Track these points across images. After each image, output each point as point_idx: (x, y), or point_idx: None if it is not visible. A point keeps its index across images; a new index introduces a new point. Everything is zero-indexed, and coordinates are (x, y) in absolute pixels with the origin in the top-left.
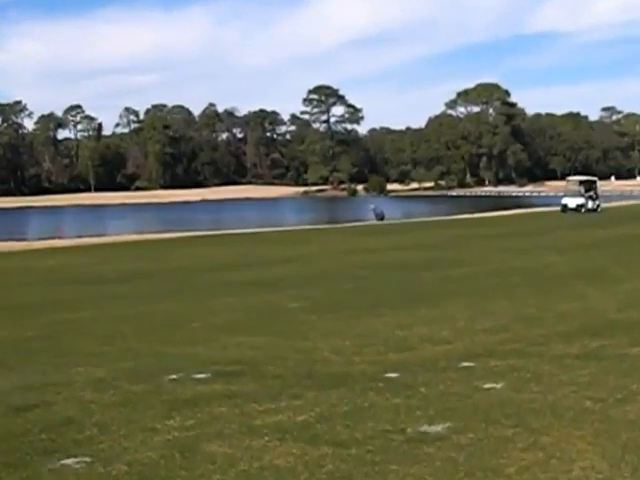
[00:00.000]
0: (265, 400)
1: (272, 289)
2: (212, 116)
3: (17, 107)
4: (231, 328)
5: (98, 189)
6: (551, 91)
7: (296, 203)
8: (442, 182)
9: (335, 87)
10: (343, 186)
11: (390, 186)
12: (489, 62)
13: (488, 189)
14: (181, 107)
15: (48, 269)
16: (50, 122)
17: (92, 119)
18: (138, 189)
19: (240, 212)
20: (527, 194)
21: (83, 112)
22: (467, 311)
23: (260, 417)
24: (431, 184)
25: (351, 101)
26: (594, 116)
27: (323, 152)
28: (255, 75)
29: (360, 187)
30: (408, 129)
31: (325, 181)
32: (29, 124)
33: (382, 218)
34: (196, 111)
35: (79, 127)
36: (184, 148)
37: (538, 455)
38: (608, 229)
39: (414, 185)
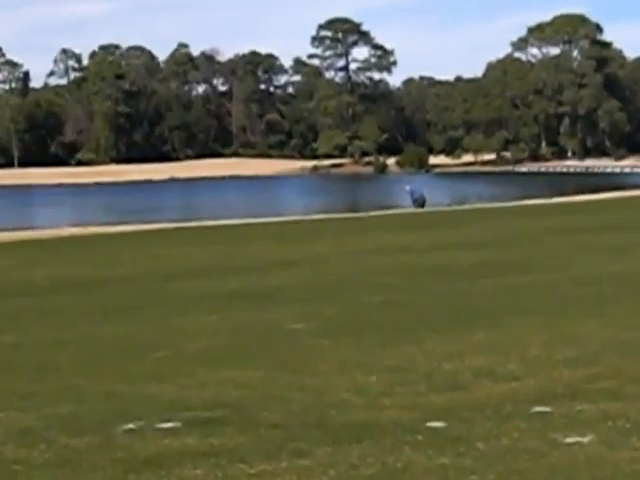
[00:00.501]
0: (258, 459)
1: (268, 303)
2: (184, 61)
3: None
4: (211, 358)
5: (24, 164)
6: None
7: (302, 183)
8: (507, 154)
9: (356, 20)
10: (367, 159)
11: (434, 159)
12: None
13: (572, 163)
14: (141, 49)
15: None
16: None
17: (15, 65)
18: (80, 164)
19: (224, 196)
20: (627, 170)
21: (3, 56)
22: (541, 335)
23: None
24: (492, 156)
25: (378, 40)
26: None
27: (340, 112)
28: (243, 3)
29: (391, 161)
30: (459, 79)
31: (342, 152)
32: None
33: (422, 204)
34: (161, 54)
35: None
36: (145, 106)
37: None
38: None
39: (467, 158)
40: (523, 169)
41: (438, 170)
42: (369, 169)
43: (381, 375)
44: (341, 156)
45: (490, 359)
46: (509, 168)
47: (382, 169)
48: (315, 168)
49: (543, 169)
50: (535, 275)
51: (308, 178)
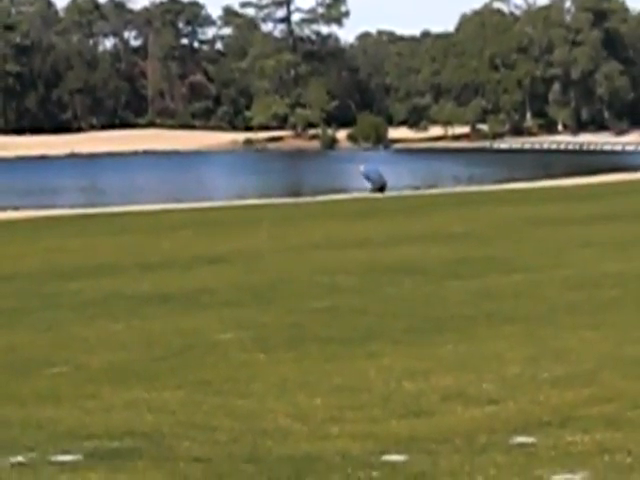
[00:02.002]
0: None
1: (189, 308)
2: (88, 9)
3: None
4: (118, 376)
5: None
6: None
7: (232, 160)
8: (484, 126)
9: None
10: (313, 132)
11: (394, 132)
12: None
13: (563, 139)
14: None
15: None
16: None
17: None
18: None
19: (136, 175)
20: (629, 148)
21: None
22: (523, 348)
23: None
24: (465, 130)
25: None
26: None
27: (279, 73)
28: None
29: (342, 134)
30: (426, 35)
31: (282, 123)
32: None
33: (382, 188)
34: (60, 1)
35: None
36: (40, 65)
37: None
38: None
39: (435, 131)
40: (503, 145)
41: (399, 145)
42: (315, 144)
43: (328, 397)
44: (281, 128)
45: (461, 378)
46: (486, 144)
47: (331, 144)
48: (249, 142)
49: (528, 145)
50: (518, 275)
51: (240, 154)
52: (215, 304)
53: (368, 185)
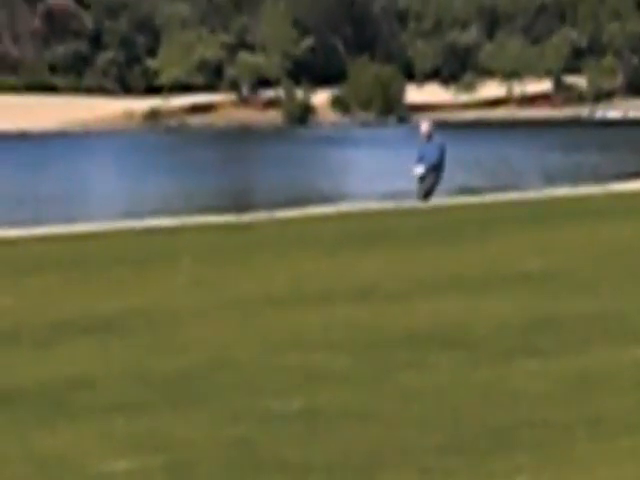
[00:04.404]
0: None
1: (51, 416)
2: None
3: None
4: None
5: None
6: None
7: (126, 148)
8: (577, 80)
9: None
10: (269, 95)
11: (417, 93)
12: None
13: None
14: None
15: None
16: None
17: None
18: None
19: None
20: None
21: None
22: None
23: None
24: (544, 87)
25: None
26: None
27: None
28: None
29: (322, 97)
30: None
31: (214, 80)
32: None
33: (431, 189)
34: None
35: None
36: None
37: None
38: None
39: (490, 91)
40: (613, 113)
41: (434, 117)
42: (273, 116)
43: None
44: (211, 88)
45: None
46: (582, 111)
47: (302, 115)
48: (154, 115)
49: None
50: None
51: (140, 136)
52: (98, 408)
53: (418, 169)
